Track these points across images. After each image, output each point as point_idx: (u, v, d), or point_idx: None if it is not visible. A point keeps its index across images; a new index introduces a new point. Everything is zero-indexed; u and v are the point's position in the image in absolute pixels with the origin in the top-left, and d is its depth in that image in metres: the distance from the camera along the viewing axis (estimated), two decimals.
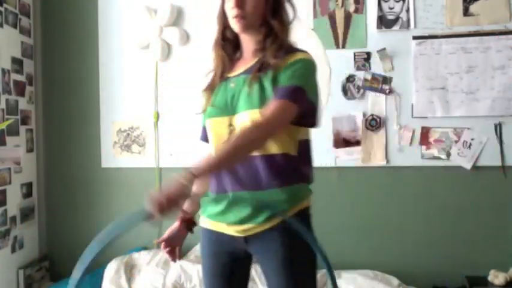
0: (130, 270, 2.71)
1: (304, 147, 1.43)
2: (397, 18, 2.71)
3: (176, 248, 1.55)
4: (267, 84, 1.34)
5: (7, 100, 2.73)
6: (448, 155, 2.68)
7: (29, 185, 2.93)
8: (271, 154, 1.34)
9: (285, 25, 1.43)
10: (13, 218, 2.76)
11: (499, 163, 2.63)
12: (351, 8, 2.75)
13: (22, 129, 2.87)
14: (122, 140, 2.97)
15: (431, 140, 2.69)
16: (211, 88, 1.48)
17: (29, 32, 2.97)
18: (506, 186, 2.64)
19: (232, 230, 1.40)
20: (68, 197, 3.04)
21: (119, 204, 2.98)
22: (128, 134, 2.97)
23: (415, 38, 2.69)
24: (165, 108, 2.93)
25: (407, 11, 2.70)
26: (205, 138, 1.56)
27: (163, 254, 2.75)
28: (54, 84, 3.06)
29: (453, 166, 2.68)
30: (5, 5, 2.71)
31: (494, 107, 2.63)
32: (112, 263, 2.72)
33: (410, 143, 2.70)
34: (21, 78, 2.87)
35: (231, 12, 1.38)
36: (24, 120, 2.89)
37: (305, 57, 1.39)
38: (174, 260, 1.57)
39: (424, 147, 2.70)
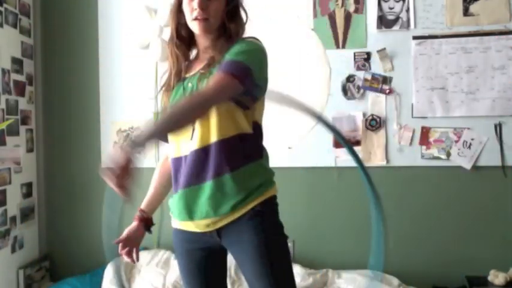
0: (130, 270, 2.71)
1: (257, 129, 1.44)
2: (397, 18, 2.71)
3: (134, 249, 1.52)
4: (215, 71, 1.35)
5: (7, 100, 2.73)
6: (448, 155, 2.68)
7: (29, 185, 2.93)
8: (224, 138, 1.35)
9: (240, 28, 1.46)
10: (13, 218, 2.76)
11: (499, 163, 2.63)
12: (351, 8, 2.75)
13: (22, 129, 2.87)
14: (121, 140, 2.97)
15: (431, 140, 2.70)
16: (168, 89, 1.48)
17: (29, 32, 2.97)
18: (506, 186, 2.64)
19: (200, 227, 1.40)
20: (68, 197, 3.04)
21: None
22: (128, 134, 2.97)
23: (415, 38, 2.69)
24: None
25: (407, 11, 2.70)
26: (165, 139, 1.55)
27: (163, 254, 2.76)
28: (54, 84, 3.05)
29: (453, 166, 2.68)
30: (5, 5, 2.71)
31: (494, 107, 2.63)
32: (112, 263, 2.72)
33: (410, 143, 2.70)
34: (21, 78, 2.87)
35: (193, 13, 1.39)
36: (24, 120, 2.89)
37: (251, 40, 1.41)
38: (133, 261, 1.54)
39: (424, 147, 2.70)
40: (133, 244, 1.52)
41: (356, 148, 2.76)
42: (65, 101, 3.03)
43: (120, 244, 1.49)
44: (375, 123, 2.72)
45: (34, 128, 3.00)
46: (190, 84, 1.43)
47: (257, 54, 1.38)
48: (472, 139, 2.65)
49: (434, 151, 2.69)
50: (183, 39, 1.48)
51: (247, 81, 1.31)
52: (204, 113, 1.31)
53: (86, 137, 3.00)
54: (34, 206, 2.98)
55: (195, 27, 1.41)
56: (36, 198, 3.00)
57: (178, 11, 1.46)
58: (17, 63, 2.83)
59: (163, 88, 1.51)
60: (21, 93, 2.87)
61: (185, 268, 1.50)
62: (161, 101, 1.53)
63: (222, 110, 1.35)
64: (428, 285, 2.63)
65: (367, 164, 2.75)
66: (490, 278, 2.51)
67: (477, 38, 2.63)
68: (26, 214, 2.89)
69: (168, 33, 3.01)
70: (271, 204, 1.42)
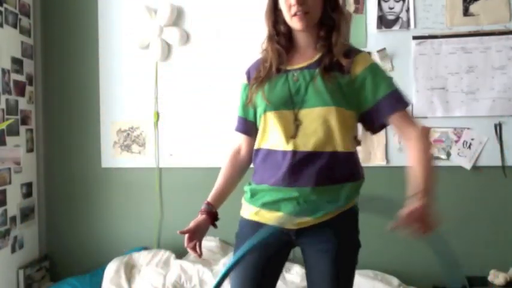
0: (130, 270, 2.71)
1: (356, 144, 1.48)
2: (397, 18, 2.71)
3: (197, 243, 1.48)
4: (343, 84, 1.37)
5: (7, 100, 2.73)
6: (448, 155, 2.68)
7: (29, 185, 2.93)
8: (341, 151, 1.38)
9: (343, 17, 1.44)
10: (13, 218, 2.76)
11: (499, 163, 2.63)
12: (351, 8, 2.75)
13: (22, 129, 2.87)
14: (121, 140, 2.97)
15: (431, 140, 2.69)
16: (264, 80, 1.44)
17: (29, 32, 2.97)
18: (506, 186, 2.64)
19: (288, 223, 1.40)
20: (68, 197, 3.04)
21: (119, 204, 2.98)
22: (128, 134, 2.97)
23: (415, 38, 2.69)
24: (165, 108, 2.93)
25: (407, 11, 2.70)
26: (244, 130, 1.55)
27: (163, 254, 2.76)
28: (54, 84, 3.06)
29: (453, 166, 2.68)
30: (5, 5, 2.71)
31: (494, 107, 2.63)
32: (112, 263, 2.72)
33: None
34: (21, 78, 2.87)
35: (292, 9, 1.37)
36: (24, 120, 2.89)
37: (371, 61, 1.43)
38: (200, 255, 1.49)
39: None
40: (198, 237, 1.47)
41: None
42: (65, 101, 3.03)
43: (187, 236, 1.45)
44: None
45: (34, 128, 3.00)
46: (295, 78, 1.40)
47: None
48: (472, 139, 2.65)
49: (434, 151, 2.69)
50: (283, 34, 1.45)
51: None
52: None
53: (86, 137, 3.00)
54: (34, 206, 2.99)
55: (295, 23, 1.39)
56: (36, 198, 3.00)
57: (274, 9, 1.45)
58: (17, 63, 2.83)
59: (256, 79, 1.47)
60: (21, 93, 2.87)
61: (247, 260, 1.45)
62: (245, 91, 1.52)
63: (335, 116, 1.37)
64: (428, 285, 2.62)
65: (367, 164, 2.75)
66: (490, 278, 2.51)
67: (477, 38, 2.63)
68: (26, 214, 2.89)
69: (168, 33, 3.02)
70: (354, 212, 1.48)
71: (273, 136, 1.42)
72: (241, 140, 1.57)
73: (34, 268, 2.88)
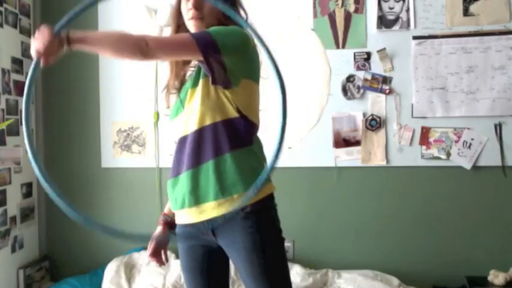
0: (130, 270, 2.71)
1: (245, 119, 1.40)
2: (397, 18, 2.71)
3: (161, 251, 1.57)
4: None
5: (7, 100, 2.73)
6: (448, 155, 2.68)
7: (29, 185, 2.93)
8: (210, 124, 1.37)
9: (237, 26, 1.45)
10: (13, 218, 2.76)
11: (499, 163, 2.63)
12: (351, 8, 2.75)
13: (22, 129, 2.87)
14: (122, 140, 2.97)
15: (431, 140, 2.70)
16: (169, 91, 1.52)
17: (29, 32, 2.97)
18: (506, 186, 2.64)
19: (193, 216, 1.40)
20: (68, 197, 3.00)
21: (119, 204, 2.98)
22: (128, 134, 2.97)
23: (415, 38, 2.69)
24: (165, 108, 2.92)
25: (407, 11, 2.70)
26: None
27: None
28: (54, 84, 3.05)
29: (453, 166, 2.68)
30: (5, 5, 2.71)
31: (494, 107, 2.63)
32: (112, 263, 2.72)
33: (410, 143, 2.70)
34: (21, 78, 2.87)
35: (188, 13, 1.42)
36: None
37: (235, 26, 1.40)
38: (162, 264, 1.60)
39: (424, 147, 2.70)
40: (161, 247, 1.57)
41: (356, 148, 2.76)
42: (65, 101, 3.03)
43: (150, 251, 1.55)
44: (375, 123, 2.72)
45: (34, 128, 3.00)
46: (187, 84, 1.46)
47: (230, 33, 1.37)
48: (472, 139, 2.65)
49: (434, 151, 2.69)
50: None
51: (207, 49, 1.29)
52: (142, 53, 1.26)
53: (86, 137, 3.00)
54: (34, 206, 2.98)
55: (190, 27, 1.44)
56: (36, 198, 3.00)
57: (178, 13, 1.49)
58: (17, 63, 2.83)
59: (165, 90, 1.54)
60: (21, 93, 2.86)
61: (187, 264, 1.51)
62: (165, 102, 1.56)
63: (208, 96, 1.37)
64: (428, 285, 2.63)
65: (367, 164, 2.75)
66: (490, 278, 2.51)
67: (477, 38, 2.63)
68: (26, 214, 2.89)
69: (168, 33, 3.00)
70: (266, 203, 1.40)
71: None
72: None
73: (34, 268, 2.87)
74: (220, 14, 1.43)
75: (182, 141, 1.42)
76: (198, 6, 1.41)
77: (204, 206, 1.37)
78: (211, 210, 1.37)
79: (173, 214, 1.55)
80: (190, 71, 1.50)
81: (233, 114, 1.38)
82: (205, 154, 1.36)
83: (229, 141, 1.36)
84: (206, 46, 1.29)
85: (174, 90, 1.51)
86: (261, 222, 1.37)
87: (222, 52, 1.31)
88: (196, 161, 1.37)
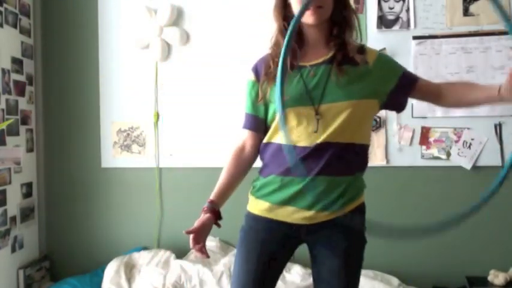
0: (130, 270, 2.71)
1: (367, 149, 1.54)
2: (397, 18, 2.71)
3: (201, 244, 1.43)
4: (356, 78, 1.40)
5: (7, 100, 2.73)
6: (448, 155, 2.68)
7: (29, 185, 2.93)
8: (358, 143, 1.43)
9: (354, 14, 1.47)
10: (13, 218, 2.76)
11: (499, 163, 2.63)
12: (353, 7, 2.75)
13: (22, 129, 2.87)
14: (121, 140, 2.97)
15: (431, 140, 2.70)
16: (273, 76, 1.43)
17: (29, 32, 2.97)
18: (506, 186, 2.63)
19: (299, 218, 1.41)
20: (68, 197, 3.04)
21: (119, 204, 2.98)
22: (128, 134, 2.97)
23: (415, 38, 2.69)
24: (165, 108, 2.93)
25: (407, 11, 2.70)
26: (253, 127, 1.52)
27: (163, 254, 2.76)
28: (54, 84, 3.06)
29: (453, 166, 2.68)
30: (5, 5, 2.71)
31: (494, 107, 2.62)
32: (112, 263, 2.72)
33: (410, 143, 2.70)
34: (21, 78, 2.87)
35: (303, 2, 1.37)
36: (24, 120, 2.89)
37: (377, 51, 1.54)
38: (207, 256, 1.44)
39: (424, 147, 2.70)
40: (203, 237, 1.44)
41: None
42: (65, 101, 3.03)
43: (192, 237, 1.41)
44: (375, 123, 2.72)
45: (34, 128, 3.00)
46: (312, 74, 1.40)
47: None
48: (472, 139, 2.65)
49: (434, 151, 2.69)
50: (294, 31, 1.41)
51: None
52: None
53: (86, 137, 3.00)
54: (34, 206, 2.99)
55: (308, 17, 1.38)
56: (36, 198, 3.00)
57: (283, 6, 1.46)
58: (17, 63, 2.83)
59: (268, 78, 1.46)
60: (21, 93, 2.87)
61: (251, 255, 1.46)
62: (253, 88, 1.50)
63: (356, 108, 1.39)
64: (428, 285, 2.63)
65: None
66: (490, 278, 2.51)
67: (477, 38, 2.63)
68: (26, 214, 2.89)
69: (168, 33, 3.02)
70: (363, 209, 1.49)
71: (291, 131, 1.41)
72: (247, 137, 1.55)
73: (34, 268, 2.88)
74: (334, 2, 1.41)
75: (324, 145, 1.38)
76: None
77: (324, 213, 1.40)
78: (326, 216, 1.41)
79: (221, 203, 1.51)
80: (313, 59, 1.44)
81: (367, 141, 1.49)
82: (349, 169, 1.42)
83: (362, 164, 1.49)
84: None
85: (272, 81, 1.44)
86: (360, 223, 1.46)
87: None
88: (337, 172, 1.39)
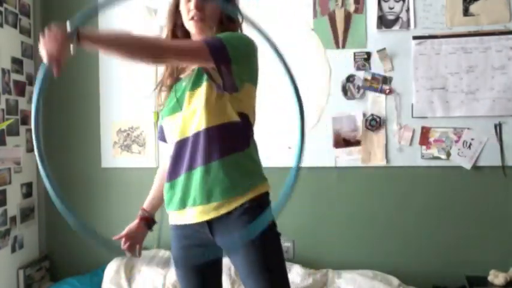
0: (130, 270, 2.71)
1: (245, 120, 1.44)
2: (397, 18, 2.71)
3: (137, 245, 1.58)
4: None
5: (7, 100, 2.73)
6: (448, 155, 2.68)
7: (29, 185, 2.93)
8: (212, 126, 1.38)
9: (238, 29, 1.49)
10: (13, 218, 2.76)
11: (499, 163, 2.63)
12: (351, 8, 2.75)
13: (22, 129, 2.87)
14: (121, 140, 2.97)
15: (431, 140, 2.70)
16: (162, 89, 1.53)
17: (29, 32, 2.97)
18: (506, 186, 2.64)
19: (191, 217, 1.42)
20: (68, 197, 3.00)
21: (119, 204, 2.98)
22: (128, 134, 2.97)
23: (415, 38, 2.69)
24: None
25: (407, 11, 2.70)
26: (162, 138, 1.60)
27: (163, 254, 2.76)
28: (54, 84, 3.04)
29: (453, 166, 2.68)
30: (5, 5, 2.71)
31: (494, 107, 2.63)
32: (112, 263, 2.72)
33: (410, 143, 2.70)
34: (21, 78, 2.87)
35: (190, 13, 1.42)
36: (24, 120, 2.89)
37: (241, 33, 1.46)
38: (135, 255, 1.58)
39: (424, 147, 2.70)
40: (135, 240, 1.57)
41: (356, 148, 2.76)
42: (64, 101, 3.03)
43: (123, 239, 1.55)
44: (375, 123, 2.72)
45: None
46: (183, 84, 1.45)
47: (239, 41, 1.40)
48: (472, 139, 2.65)
49: (434, 151, 2.69)
50: (179, 38, 1.50)
51: (220, 57, 1.32)
52: (154, 57, 1.30)
53: (86, 137, 3.00)
54: (34, 206, 2.99)
55: (191, 27, 1.44)
56: (36, 198, 3.00)
57: (175, 12, 1.49)
58: (17, 63, 2.83)
59: (158, 88, 1.55)
60: (21, 93, 2.87)
61: (181, 262, 1.51)
62: (157, 100, 1.58)
63: (211, 99, 1.37)
64: (428, 285, 2.63)
65: (367, 164, 2.75)
66: (490, 278, 2.51)
67: (477, 38, 2.63)
68: (26, 214, 2.89)
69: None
70: (262, 201, 1.42)
71: (170, 140, 1.50)
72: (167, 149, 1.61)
73: (34, 268, 2.88)
74: (221, 15, 1.44)
75: (182, 143, 1.42)
76: (200, 7, 1.41)
77: (209, 205, 1.38)
78: (214, 209, 1.38)
79: (152, 210, 1.64)
80: (187, 72, 1.49)
81: (235, 117, 1.40)
82: (212, 155, 1.37)
83: (233, 142, 1.40)
84: (218, 54, 1.31)
85: (166, 88, 1.53)
86: (258, 217, 1.38)
87: (232, 61, 1.33)
88: (202, 162, 1.37)
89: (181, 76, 1.50)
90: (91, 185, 3.01)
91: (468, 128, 2.66)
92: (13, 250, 2.76)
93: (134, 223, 1.60)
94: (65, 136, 3.03)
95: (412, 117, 2.70)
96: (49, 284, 2.88)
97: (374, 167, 2.74)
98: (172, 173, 1.45)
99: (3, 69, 2.69)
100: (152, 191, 1.67)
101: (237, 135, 1.41)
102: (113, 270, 2.67)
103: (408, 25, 2.70)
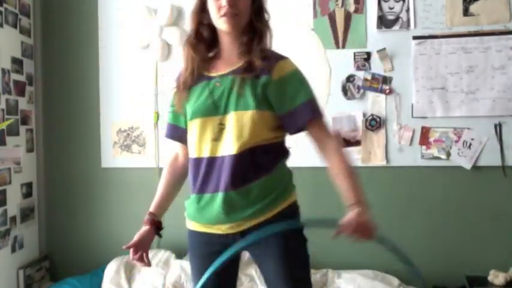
0: (130, 270, 2.71)
1: (282, 136, 1.49)
2: (397, 18, 2.71)
3: (143, 254, 1.50)
4: (259, 88, 1.38)
5: (7, 100, 2.73)
6: (448, 155, 2.68)
7: (29, 185, 2.93)
8: (264, 144, 1.40)
9: (267, 27, 1.47)
10: (13, 218, 2.76)
11: (499, 163, 2.63)
12: (351, 8, 2.75)
13: (22, 129, 2.87)
14: (121, 140, 2.97)
15: (431, 140, 2.70)
16: (182, 88, 1.48)
17: (29, 32, 2.97)
18: (506, 186, 2.64)
19: (222, 229, 1.42)
20: (68, 197, 3.04)
21: (119, 204, 2.98)
22: (128, 134, 2.97)
23: (415, 38, 2.69)
24: (165, 108, 2.93)
25: (407, 11, 2.70)
26: (174, 136, 1.56)
27: (163, 254, 2.76)
28: (54, 84, 3.05)
29: (453, 166, 2.68)
30: (5, 5, 2.71)
31: (494, 107, 2.63)
32: (112, 263, 2.72)
33: (410, 143, 2.70)
34: (21, 78, 2.87)
35: (221, 10, 1.39)
36: (24, 120, 2.89)
37: (294, 67, 1.45)
38: (148, 265, 1.52)
39: (424, 147, 2.70)
40: (143, 248, 1.50)
41: (356, 148, 2.76)
42: (65, 101, 3.03)
43: (132, 249, 1.48)
44: (374, 123, 2.72)
45: (34, 128, 3.00)
46: (218, 84, 1.42)
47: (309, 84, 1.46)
48: (472, 139, 2.65)
49: (434, 151, 2.69)
50: (203, 39, 1.47)
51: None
52: None
53: (86, 137, 3.00)
54: (34, 206, 2.98)
55: (223, 24, 1.40)
56: (36, 198, 3.00)
57: (201, 11, 1.46)
58: (17, 63, 2.83)
59: (178, 87, 1.50)
60: (21, 93, 2.87)
61: (200, 270, 1.48)
62: (174, 99, 1.52)
63: (258, 122, 1.38)
64: (428, 285, 2.62)
65: (367, 164, 2.75)
66: (490, 278, 2.51)
67: (477, 38, 2.63)
68: (26, 214, 2.89)
69: (168, 33, 3.01)
70: (294, 209, 1.49)
71: (198, 143, 1.44)
72: (176, 147, 1.59)
73: (34, 268, 2.87)
74: (250, 13, 1.42)
75: (221, 160, 1.39)
76: (232, 3, 1.37)
77: (246, 218, 1.40)
78: (249, 222, 1.40)
79: (160, 213, 1.57)
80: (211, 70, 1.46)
81: (274, 136, 1.43)
82: (259, 171, 1.39)
83: (275, 159, 1.44)
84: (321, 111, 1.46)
85: (185, 88, 1.47)
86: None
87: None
88: (246, 179, 1.38)
89: (211, 74, 1.45)
90: (91, 185, 3.01)
91: (468, 128, 2.66)
92: (13, 250, 2.76)
93: (144, 230, 1.53)
94: (65, 136, 3.03)
95: (412, 117, 2.70)
96: (49, 284, 2.88)
97: (374, 167, 2.74)
98: (204, 187, 1.42)
99: (3, 69, 2.69)
100: (160, 191, 1.60)
101: (277, 152, 1.45)
102: (112, 270, 2.67)
103: (408, 25, 2.70)
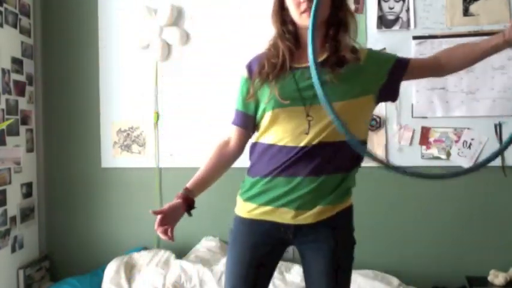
0: (130, 270, 2.71)
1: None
2: (397, 18, 2.71)
3: (169, 229, 1.42)
4: (349, 78, 1.40)
5: (7, 100, 2.73)
6: (448, 155, 2.68)
7: (29, 185, 2.93)
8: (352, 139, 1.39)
9: (350, 15, 1.49)
10: (13, 218, 2.76)
11: (499, 163, 2.63)
12: (351, 8, 2.75)
13: (22, 129, 2.87)
14: (121, 140, 2.97)
15: (431, 140, 2.70)
16: (270, 76, 1.44)
17: (29, 32, 2.97)
18: (506, 186, 2.64)
19: (287, 217, 1.42)
20: (68, 197, 3.04)
21: (119, 204, 2.98)
22: (128, 134, 2.97)
23: (415, 38, 2.69)
24: (165, 108, 2.93)
25: (407, 11, 2.70)
26: (242, 124, 1.54)
27: (163, 254, 2.76)
28: (54, 84, 3.06)
29: (453, 166, 2.68)
30: (5, 5, 2.71)
31: (494, 107, 2.63)
32: (112, 263, 2.72)
33: (410, 143, 2.70)
34: (21, 78, 2.87)
35: (301, 6, 1.38)
36: (24, 120, 2.89)
37: (368, 49, 1.54)
38: (172, 239, 1.43)
39: (424, 147, 2.70)
40: (170, 222, 1.44)
41: None
42: (65, 101, 3.03)
43: (158, 218, 1.42)
44: (374, 123, 2.72)
45: (34, 128, 3.00)
46: (306, 76, 1.39)
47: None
48: (472, 139, 2.65)
49: (434, 151, 2.69)
50: (291, 34, 1.46)
51: None
52: None
53: (86, 137, 3.00)
54: (34, 206, 2.99)
55: (304, 20, 1.39)
56: (36, 198, 3.00)
57: (281, 10, 1.47)
58: (17, 63, 2.83)
59: (261, 78, 1.46)
60: (21, 93, 2.87)
61: (244, 259, 1.48)
62: (251, 88, 1.48)
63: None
64: (428, 285, 2.63)
65: (367, 164, 2.74)
66: (490, 278, 2.51)
67: (477, 38, 2.62)
68: (26, 214, 2.89)
69: (168, 33, 3.01)
70: (351, 211, 1.52)
71: (280, 131, 1.43)
72: (234, 133, 1.57)
73: (34, 268, 2.88)
74: (331, 3, 1.42)
75: (316, 147, 1.39)
76: None
77: (313, 210, 1.41)
78: (316, 215, 1.42)
79: (196, 191, 1.52)
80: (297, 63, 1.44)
81: (362, 136, 1.50)
82: (341, 167, 1.43)
83: (357, 158, 1.48)
84: None
85: (272, 79, 1.44)
86: (347, 224, 1.50)
87: None
88: (328, 171, 1.40)
89: (296, 65, 1.44)
90: (91, 185, 3.01)
91: (468, 128, 2.66)
92: (13, 250, 2.76)
93: (176, 202, 1.46)
94: (65, 136, 3.03)
95: (412, 117, 2.70)
96: (49, 284, 2.88)
97: (374, 167, 2.73)
98: (291, 170, 1.40)
99: (3, 69, 2.69)
100: (202, 170, 1.56)
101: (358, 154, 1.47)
102: (112, 270, 2.67)
103: (408, 25, 2.70)
